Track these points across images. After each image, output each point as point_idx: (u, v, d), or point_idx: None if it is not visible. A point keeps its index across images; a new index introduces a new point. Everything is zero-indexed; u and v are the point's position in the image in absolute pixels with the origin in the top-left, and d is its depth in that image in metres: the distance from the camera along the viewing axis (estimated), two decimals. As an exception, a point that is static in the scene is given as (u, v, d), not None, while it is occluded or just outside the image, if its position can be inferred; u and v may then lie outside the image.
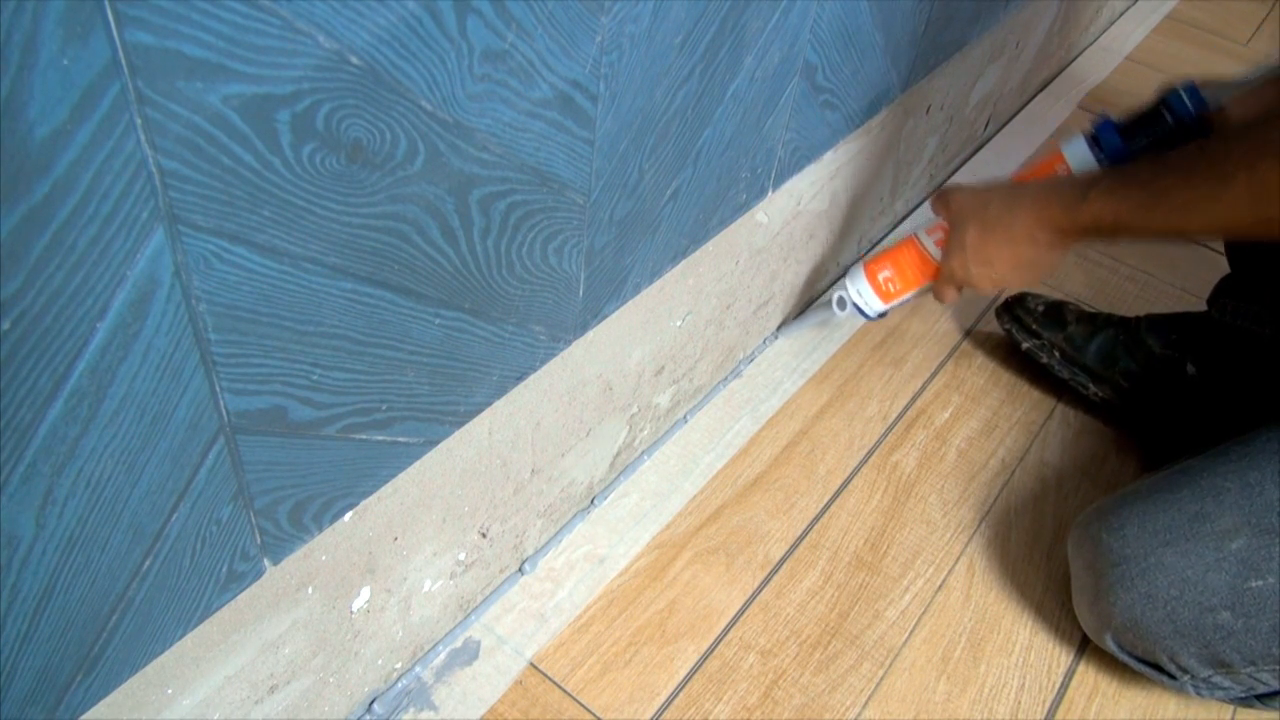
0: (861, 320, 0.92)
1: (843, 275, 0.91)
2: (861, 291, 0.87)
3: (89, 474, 0.35)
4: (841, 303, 0.89)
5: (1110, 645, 0.75)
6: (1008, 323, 1.03)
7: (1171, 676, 0.73)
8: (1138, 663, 0.75)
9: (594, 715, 0.72)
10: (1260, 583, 0.68)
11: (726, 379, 0.96)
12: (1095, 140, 0.79)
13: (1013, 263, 0.76)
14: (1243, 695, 0.73)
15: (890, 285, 0.86)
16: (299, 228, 0.38)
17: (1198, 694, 0.74)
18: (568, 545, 0.81)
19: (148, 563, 0.40)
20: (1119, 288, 1.18)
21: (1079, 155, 0.79)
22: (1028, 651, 0.80)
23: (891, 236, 1.03)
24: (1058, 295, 1.06)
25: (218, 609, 0.46)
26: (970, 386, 1.03)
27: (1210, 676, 0.71)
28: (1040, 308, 1.01)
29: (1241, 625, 0.68)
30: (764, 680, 0.76)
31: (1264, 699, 0.73)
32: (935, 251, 0.83)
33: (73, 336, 0.32)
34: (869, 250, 1.05)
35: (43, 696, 0.39)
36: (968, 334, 1.09)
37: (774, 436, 0.93)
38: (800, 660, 0.78)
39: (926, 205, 1.24)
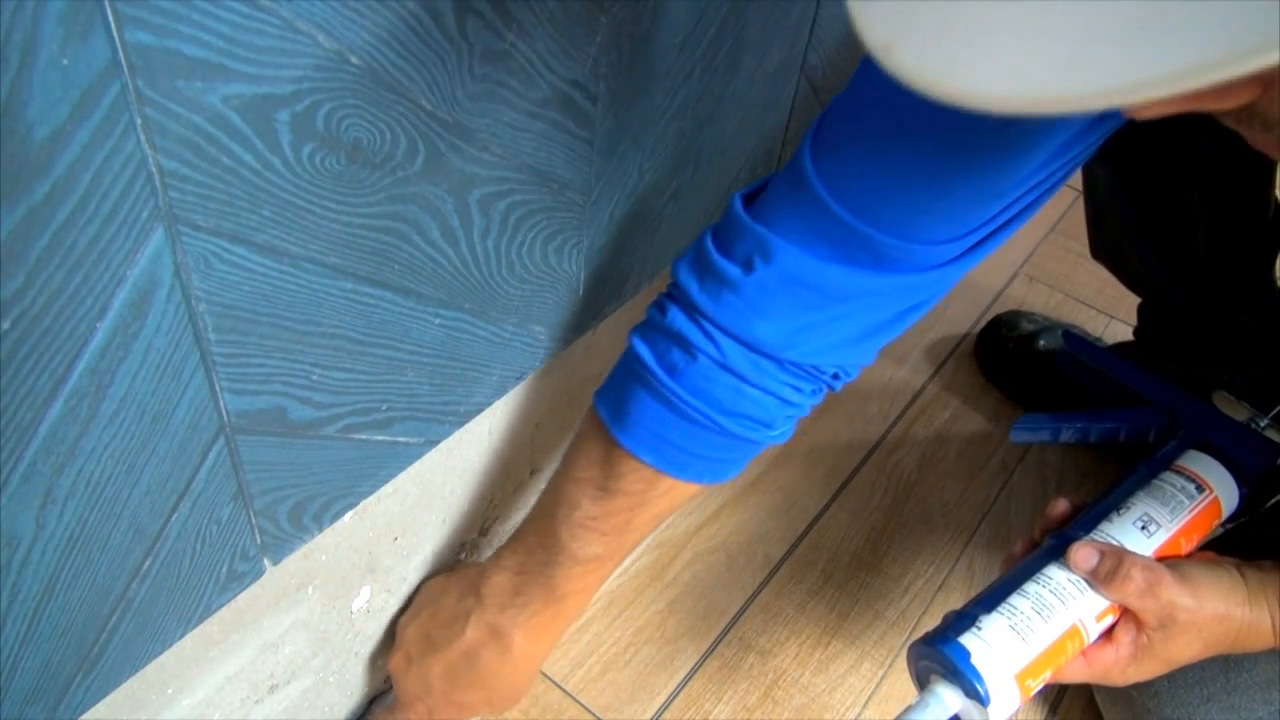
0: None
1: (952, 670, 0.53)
2: (1006, 711, 0.54)
3: (89, 474, 0.35)
4: None
5: None
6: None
7: None
8: None
9: (594, 715, 0.72)
10: None
11: (726, 379, 0.96)
12: (1237, 472, 0.65)
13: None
14: None
15: (1036, 689, 0.56)
16: (299, 228, 0.38)
17: None
18: (568, 545, 0.81)
19: (148, 563, 0.40)
20: (1120, 286, 1.18)
21: (1228, 493, 0.64)
22: (1028, 651, 0.80)
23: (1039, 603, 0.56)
24: (1037, 322, 1.05)
25: (218, 609, 0.46)
26: (970, 387, 1.03)
27: None
28: (1011, 343, 1.02)
29: None
30: (764, 680, 0.76)
31: None
32: (1095, 636, 0.56)
33: (73, 336, 0.32)
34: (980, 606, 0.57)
35: (43, 696, 0.39)
36: (968, 334, 1.09)
37: (774, 436, 0.94)
38: (800, 660, 0.78)
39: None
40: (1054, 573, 0.57)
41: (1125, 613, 0.56)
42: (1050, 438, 0.80)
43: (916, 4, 0.27)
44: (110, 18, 0.27)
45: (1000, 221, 0.47)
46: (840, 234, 0.46)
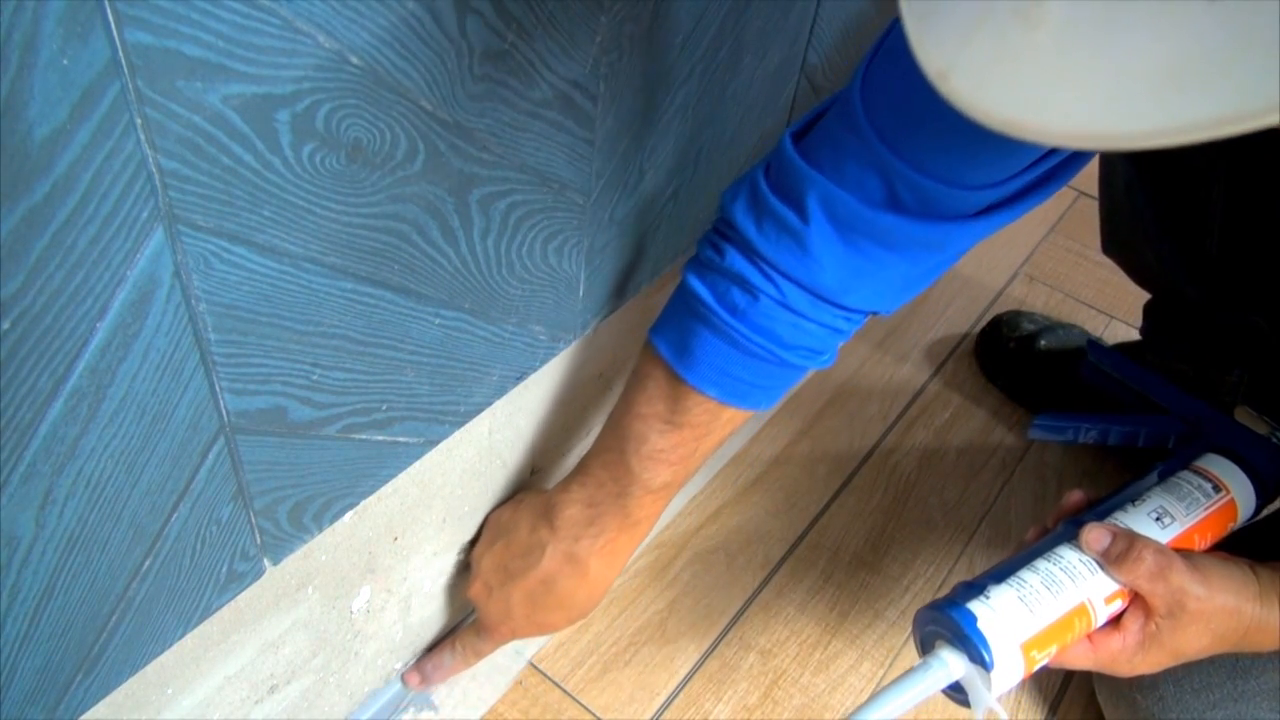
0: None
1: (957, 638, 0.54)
2: (1009, 680, 0.54)
3: (89, 474, 0.35)
4: (959, 689, 0.54)
5: None
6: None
7: None
8: None
9: (594, 715, 0.72)
10: None
11: (726, 379, 0.96)
12: (1256, 478, 0.65)
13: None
14: None
15: (1040, 663, 0.56)
16: (299, 228, 0.38)
17: None
18: (568, 545, 0.81)
19: (148, 563, 0.40)
20: (1120, 286, 1.18)
21: (1245, 496, 0.65)
22: (1028, 651, 0.80)
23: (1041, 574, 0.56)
24: (1035, 322, 1.05)
25: (218, 609, 0.46)
26: (970, 386, 1.03)
27: None
28: (1012, 343, 1.02)
29: None
30: (764, 680, 0.76)
31: None
32: (1102, 619, 0.56)
33: (73, 336, 0.32)
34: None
35: (43, 696, 0.39)
36: (968, 334, 1.09)
37: (774, 436, 0.94)
38: (800, 660, 0.78)
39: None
40: (1065, 552, 0.57)
41: (1135, 600, 0.56)
42: (1070, 438, 0.80)
43: (971, 34, 0.28)
44: (110, 18, 0.27)
45: (1038, 172, 0.48)
46: (891, 178, 0.47)
